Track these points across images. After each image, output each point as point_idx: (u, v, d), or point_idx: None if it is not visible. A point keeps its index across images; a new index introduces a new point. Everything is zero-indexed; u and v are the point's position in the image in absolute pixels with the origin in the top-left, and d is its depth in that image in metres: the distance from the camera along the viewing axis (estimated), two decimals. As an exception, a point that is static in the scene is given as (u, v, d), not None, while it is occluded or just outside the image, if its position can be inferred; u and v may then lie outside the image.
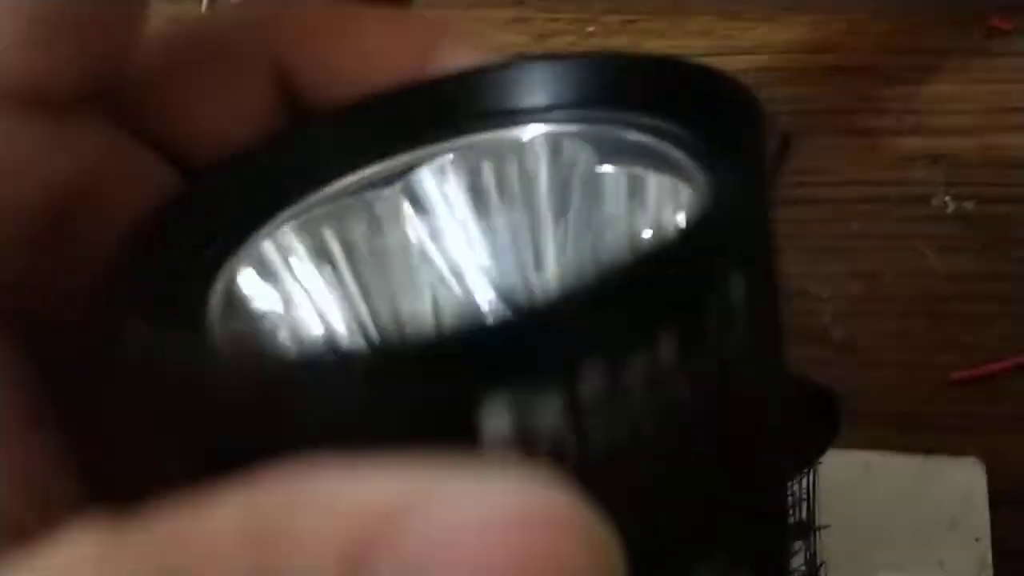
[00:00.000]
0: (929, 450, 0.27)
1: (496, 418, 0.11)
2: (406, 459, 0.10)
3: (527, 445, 0.11)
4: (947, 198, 0.33)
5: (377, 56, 0.15)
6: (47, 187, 0.13)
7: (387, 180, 0.14)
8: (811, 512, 0.23)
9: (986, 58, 0.34)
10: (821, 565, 0.24)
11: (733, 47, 0.34)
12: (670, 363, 0.10)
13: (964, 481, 0.27)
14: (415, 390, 0.11)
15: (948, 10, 0.34)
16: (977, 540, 0.26)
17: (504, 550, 0.10)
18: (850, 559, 0.25)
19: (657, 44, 0.35)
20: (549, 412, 0.11)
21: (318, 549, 0.10)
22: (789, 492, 0.17)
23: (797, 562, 0.23)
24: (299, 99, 0.15)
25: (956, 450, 0.28)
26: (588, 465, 0.11)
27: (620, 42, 0.35)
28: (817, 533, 0.24)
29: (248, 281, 0.13)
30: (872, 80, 0.34)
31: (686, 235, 0.11)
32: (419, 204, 0.14)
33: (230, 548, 0.10)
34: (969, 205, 0.33)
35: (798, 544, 0.22)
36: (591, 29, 0.35)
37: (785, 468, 0.14)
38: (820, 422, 0.18)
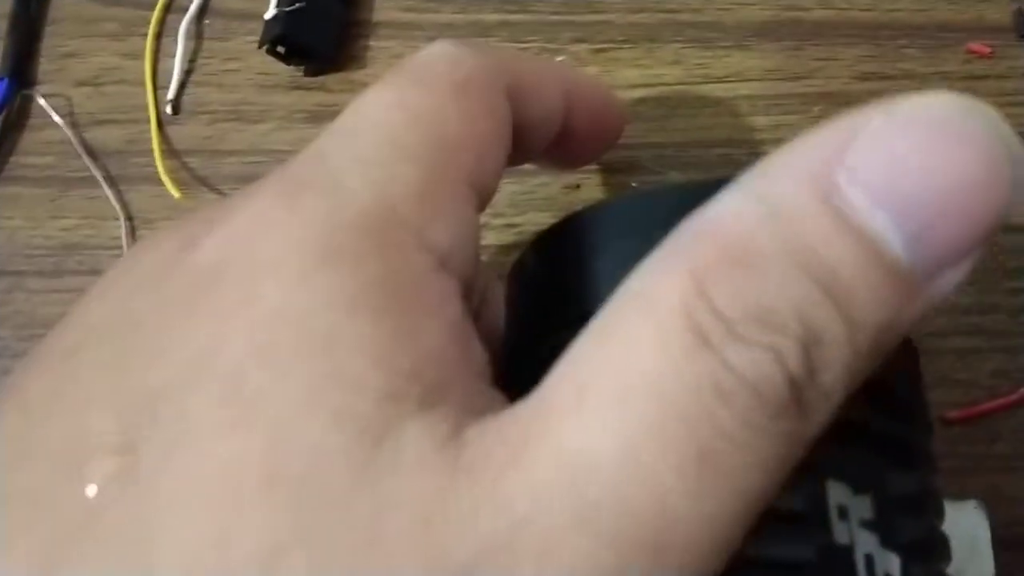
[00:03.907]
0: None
1: None
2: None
3: None
4: (934, 228, 0.32)
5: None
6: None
7: None
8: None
9: (967, 82, 0.33)
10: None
11: (707, 75, 0.33)
12: None
13: (967, 527, 0.26)
14: None
15: (923, 34, 0.34)
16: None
17: (943, 152, 0.14)
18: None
19: (630, 74, 0.34)
20: None
21: (794, 180, 0.14)
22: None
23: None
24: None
25: (955, 494, 0.27)
26: None
27: (591, 71, 0.34)
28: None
29: None
30: (851, 107, 0.33)
31: None
32: None
33: (748, 208, 0.15)
34: (957, 235, 0.32)
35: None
36: (561, 59, 0.34)
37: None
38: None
